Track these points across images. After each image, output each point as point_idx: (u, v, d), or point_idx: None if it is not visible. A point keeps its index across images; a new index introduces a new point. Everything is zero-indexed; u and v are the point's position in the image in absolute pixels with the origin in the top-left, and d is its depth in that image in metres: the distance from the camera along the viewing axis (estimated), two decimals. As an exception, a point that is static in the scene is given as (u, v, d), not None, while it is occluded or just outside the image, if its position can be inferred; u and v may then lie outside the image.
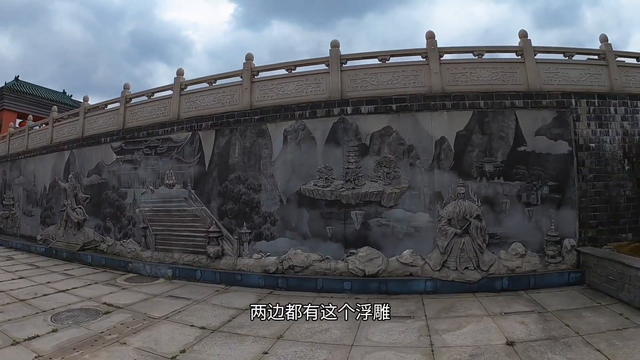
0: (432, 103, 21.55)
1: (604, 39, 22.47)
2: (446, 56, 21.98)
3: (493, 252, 20.33)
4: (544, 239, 20.95)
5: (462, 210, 21.19)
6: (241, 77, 24.11)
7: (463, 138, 21.52)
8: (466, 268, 20.24)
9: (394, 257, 20.60)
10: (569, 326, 12.82)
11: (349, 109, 22.11)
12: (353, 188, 21.78)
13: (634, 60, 22.32)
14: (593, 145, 21.83)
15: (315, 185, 22.30)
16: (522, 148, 21.53)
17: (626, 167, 21.72)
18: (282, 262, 21.17)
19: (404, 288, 19.62)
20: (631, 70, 22.08)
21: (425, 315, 15.13)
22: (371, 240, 20.90)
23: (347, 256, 20.63)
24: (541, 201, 21.77)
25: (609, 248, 20.03)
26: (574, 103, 21.35)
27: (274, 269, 21.07)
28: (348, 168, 21.78)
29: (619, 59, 21.94)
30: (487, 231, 20.93)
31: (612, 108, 21.83)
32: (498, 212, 21.53)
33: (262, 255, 22.06)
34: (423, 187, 21.92)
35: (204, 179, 24.04)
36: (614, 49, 22.03)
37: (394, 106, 21.78)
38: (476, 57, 21.73)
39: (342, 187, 21.79)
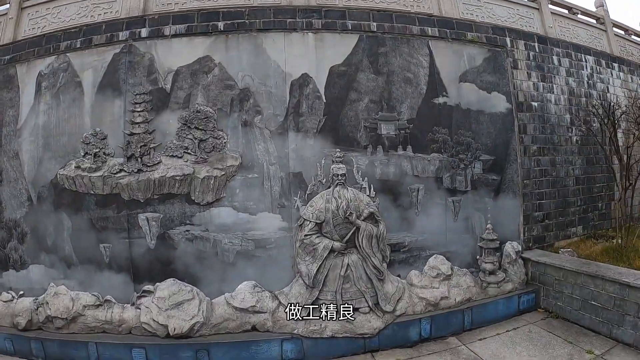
0: (288, 20, 10.12)
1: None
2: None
3: (400, 276, 9.69)
4: (476, 245, 10.46)
5: (342, 205, 9.35)
6: (9, 3, 11.12)
7: (342, 79, 10.05)
8: (356, 310, 8.92)
9: (222, 298, 9.09)
10: None
11: (144, 31, 10.10)
12: (139, 171, 9.54)
13: (566, 12, 13.58)
14: (536, 104, 11.74)
15: (79, 167, 9.72)
16: (441, 99, 10.56)
17: (574, 138, 12.45)
18: (37, 307, 9.29)
19: (243, 358, 8.38)
20: (566, 21, 13.53)
21: None
22: (179, 268, 9.42)
23: (139, 296, 9.10)
24: (472, 186, 10.70)
25: (568, 251, 11.11)
26: (509, 43, 11.52)
27: (25, 322, 9.21)
28: (132, 134, 9.54)
29: (551, 6, 13.15)
30: (389, 240, 9.70)
31: (555, 58, 12.46)
32: (406, 206, 10.21)
33: (12, 297, 9.80)
34: (268, 166, 9.77)
35: None
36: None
37: (220, 24, 10.02)
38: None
39: (122, 170, 9.57)
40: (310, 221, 8.88)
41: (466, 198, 10.13)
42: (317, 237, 8.83)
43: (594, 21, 13.55)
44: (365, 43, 9.63)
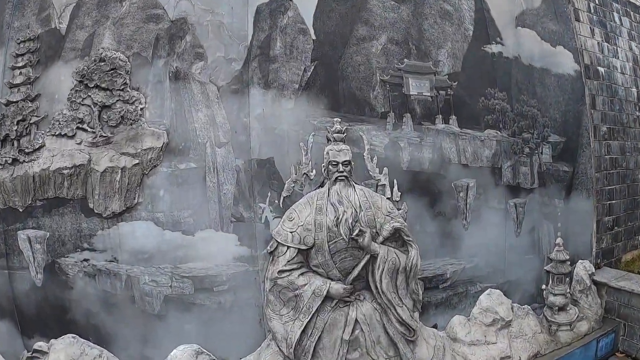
0: None
1: None
2: None
3: (437, 327, 3.63)
4: (542, 269, 4.22)
5: (345, 218, 3.14)
6: None
7: (343, 4, 3.52)
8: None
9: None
10: None
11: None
12: (15, 161, 3.45)
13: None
14: (602, 70, 5.13)
15: None
16: (494, 48, 4.04)
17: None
18: None
19: None
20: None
21: None
22: (79, 318, 3.48)
23: (31, 358, 3.36)
24: (539, 181, 4.07)
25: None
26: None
27: None
28: (9, 103, 3.51)
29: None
30: (422, 272, 3.38)
31: (615, 15, 5.80)
32: (449, 215, 3.57)
33: None
34: (214, 148, 3.25)
35: None
36: None
37: None
38: None
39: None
40: (289, 246, 3.32)
41: (532, 199, 4.46)
42: (302, 274, 3.37)
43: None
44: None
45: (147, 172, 3.55)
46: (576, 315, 4.62)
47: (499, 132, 4.06)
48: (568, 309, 4.62)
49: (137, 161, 3.57)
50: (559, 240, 4.51)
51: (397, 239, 3.49)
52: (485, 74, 4.08)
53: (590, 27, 5.55)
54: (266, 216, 3.39)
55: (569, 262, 4.52)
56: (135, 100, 3.68)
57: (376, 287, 3.39)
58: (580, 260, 4.74)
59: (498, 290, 4.20)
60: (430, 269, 3.80)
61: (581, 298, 4.79)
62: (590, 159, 4.80)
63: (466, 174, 3.86)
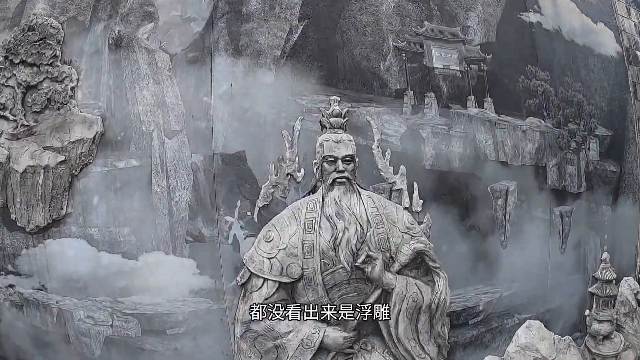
0: None
1: None
2: None
3: None
4: (585, 291, 2.20)
5: (345, 237, 1.52)
6: None
7: None
8: None
9: None
10: None
11: None
12: None
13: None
14: None
15: None
16: (532, 17, 2.29)
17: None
18: None
19: None
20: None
21: None
22: (10, 355, 1.93)
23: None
24: (586, 183, 2.19)
25: None
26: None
27: None
28: None
29: None
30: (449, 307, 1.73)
31: None
32: (483, 228, 1.85)
33: None
34: (163, 139, 1.64)
35: None
36: None
37: None
38: None
39: None
40: (266, 278, 1.74)
41: (578, 206, 2.58)
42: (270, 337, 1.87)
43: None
44: None
45: (76, 173, 2.17)
46: (622, 343, 3.15)
47: (542, 122, 2.64)
48: (613, 337, 3.14)
49: (63, 157, 2.19)
50: (605, 255, 3.05)
51: (418, 265, 2.09)
52: (524, 47, 2.67)
53: (626, 7, 4.08)
54: (235, 234, 1.98)
55: (614, 282, 3.04)
56: (66, 77, 2.31)
57: (390, 334, 1.98)
58: (624, 278, 3.26)
59: (538, 322, 2.74)
60: (459, 301, 2.38)
61: (626, 322, 3.31)
62: (636, 157, 3.34)
63: (506, 175, 2.43)
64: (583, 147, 3.08)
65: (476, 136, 2.33)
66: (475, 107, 2.37)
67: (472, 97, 2.41)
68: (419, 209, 2.23)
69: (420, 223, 2.29)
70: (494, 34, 2.70)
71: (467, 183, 2.29)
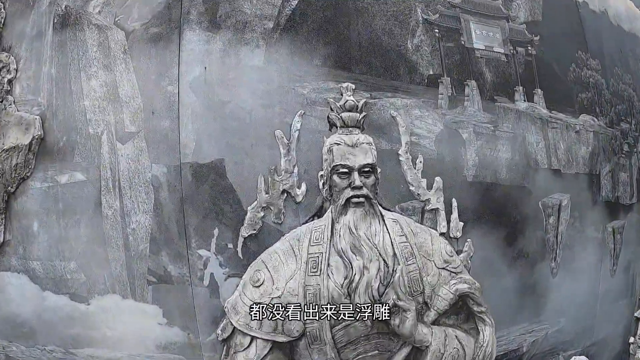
0: None
1: None
2: None
3: None
4: (632, 316, 1.46)
5: (366, 278, 0.79)
6: None
7: None
8: None
9: None
10: None
11: None
12: None
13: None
14: None
15: None
16: None
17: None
18: None
19: None
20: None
21: None
22: None
23: None
24: (637, 192, 1.34)
25: None
26: None
27: None
28: None
29: None
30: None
31: None
32: (534, 253, 1.06)
33: None
34: (114, 144, 0.88)
35: None
36: None
37: None
38: None
39: None
40: (255, 337, 0.93)
41: (630, 221, 1.66)
42: None
43: None
44: None
45: (12, 190, 1.44)
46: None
47: (595, 120, 1.84)
48: (656, 363, 2.36)
49: (-9, 170, 1.46)
50: (651, 273, 2.27)
51: (458, 309, 1.31)
52: (573, 30, 1.88)
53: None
54: (212, 274, 1.22)
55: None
56: (2, 67, 1.57)
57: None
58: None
59: (583, 357, 1.96)
60: (500, 344, 1.61)
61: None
62: (676, 161, 2.55)
63: (559, 186, 1.65)
64: (635, 150, 2.30)
65: (526, 137, 1.51)
66: (525, 101, 1.53)
67: (520, 87, 1.53)
68: (459, 235, 1.35)
69: (459, 252, 1.55)
70: (539, 12, 1.88)
71: (515, 198, 1.48)
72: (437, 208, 1.36)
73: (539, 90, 1.69)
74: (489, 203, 1.43)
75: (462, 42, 1.52)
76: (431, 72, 1.34)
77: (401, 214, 1.31)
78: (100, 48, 1.44)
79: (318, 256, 1.20)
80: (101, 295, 1.36)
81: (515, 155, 1.56)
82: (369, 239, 1.16)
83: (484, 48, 1.57)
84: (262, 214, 1.20)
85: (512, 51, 1.65)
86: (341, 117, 1.19)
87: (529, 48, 1.75)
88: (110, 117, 1.32)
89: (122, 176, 1.25)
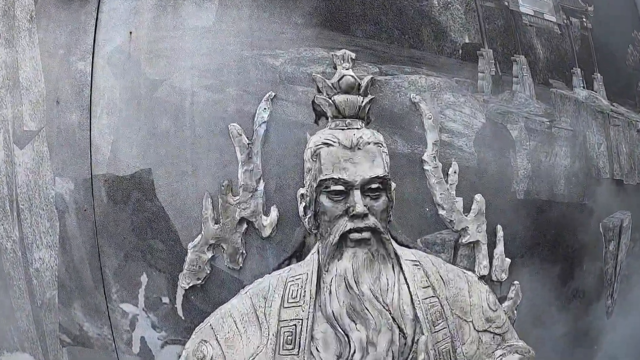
0: None
1: None
2: None
3: None
4: None
5: (373, 357, 0.31)
6: None
7: None
8: None
9: None
10: None
11: None
12: None
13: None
14: None
15: None
16: None
17: None
18: None
19: None
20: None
21: None
22: None
23: None
24: None
25: None
26: None
27: None
28: None
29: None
30: None
31: None
32: (590, 292, 0.52)
33: None
34: (4, 130, 0.61)
35: None
36: None
37: None
38: None
39: None
40: None
41: None
42: None
43: None
44: None
45: None
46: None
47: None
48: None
49: None
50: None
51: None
52: (627, 4, 1.25)
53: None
54: (142, 337, 0.67)
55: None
56: None
57: None
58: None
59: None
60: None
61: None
62: None
63: (620, 202, 1.04)
64: (686, 154, 1.64)
65: (587, 137, 0.89)
66: (585, 90, 0.89)
67: (579, 69, 0.89)
68: (504, 277, 0.73)
69: (501, 300, 0.74)
70: (591, -19, 1.24)
71: (574, 220, 0.86)
72: (478, 240, 0.75)
73: (599, 75, 1.04)
74: (543, 229, 0.78)
75: (506, 4, 0.89)
76: (467, 40, 0.71)
77: (425, 251, 0.66)
78: (4, 18, 0.89)
79: (296, 324, 0.54)
80: (10, 353, 0.84)
81: (575, 161, 0.85)
82: (376, 298, 0.57)
83: (532, 13, 0.93)
84: (209, 254, 0.61)
85: (565, 21, 1.01)
86: (334, 101, 0.61)
87: (584, 20, 1.10)
88: (7, 110, 0.77)
89: (20, 194, 0.71)
